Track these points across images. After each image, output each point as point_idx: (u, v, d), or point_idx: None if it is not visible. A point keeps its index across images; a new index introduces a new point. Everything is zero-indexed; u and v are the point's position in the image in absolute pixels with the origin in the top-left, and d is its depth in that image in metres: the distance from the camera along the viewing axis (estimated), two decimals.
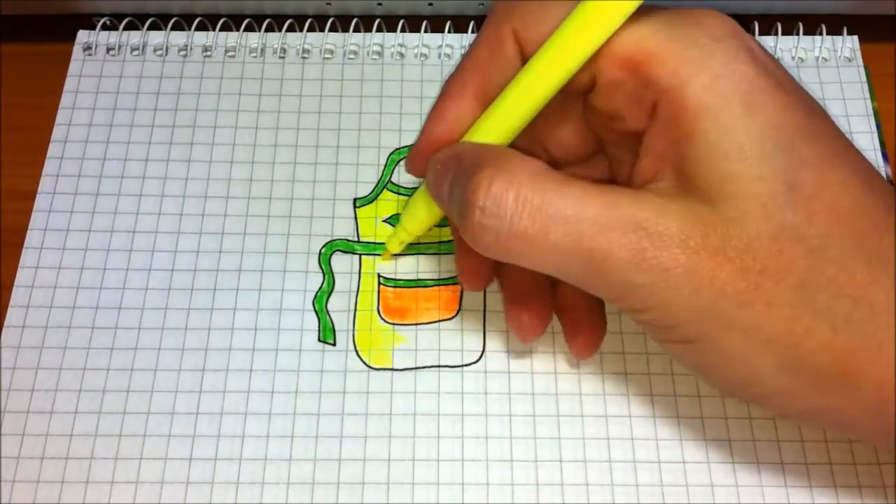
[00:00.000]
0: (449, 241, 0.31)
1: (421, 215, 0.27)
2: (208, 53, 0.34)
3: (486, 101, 0.24)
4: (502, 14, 0.23)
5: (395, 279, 0.30)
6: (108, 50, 0.34)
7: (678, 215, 0.20)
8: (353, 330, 0.29)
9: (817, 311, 0.19)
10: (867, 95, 0.33)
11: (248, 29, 0.34)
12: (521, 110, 0.23)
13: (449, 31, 0.35)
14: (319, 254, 0.30)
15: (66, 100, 0.33)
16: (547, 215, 0.20)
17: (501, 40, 0.23)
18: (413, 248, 0.30)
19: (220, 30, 0.35)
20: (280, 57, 0.34)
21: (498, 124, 0.23)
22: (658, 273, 0.20)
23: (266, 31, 0.35)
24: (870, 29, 0.34)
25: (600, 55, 0.21)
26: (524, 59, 0.23)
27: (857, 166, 0.21)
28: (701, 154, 0.20)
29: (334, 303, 0.30)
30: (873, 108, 0.33)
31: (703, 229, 0.20)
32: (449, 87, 0.24)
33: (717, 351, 0.21)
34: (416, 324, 0.29)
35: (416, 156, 0.25)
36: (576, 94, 0.23)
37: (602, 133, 0.25)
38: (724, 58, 0.20)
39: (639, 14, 0.21)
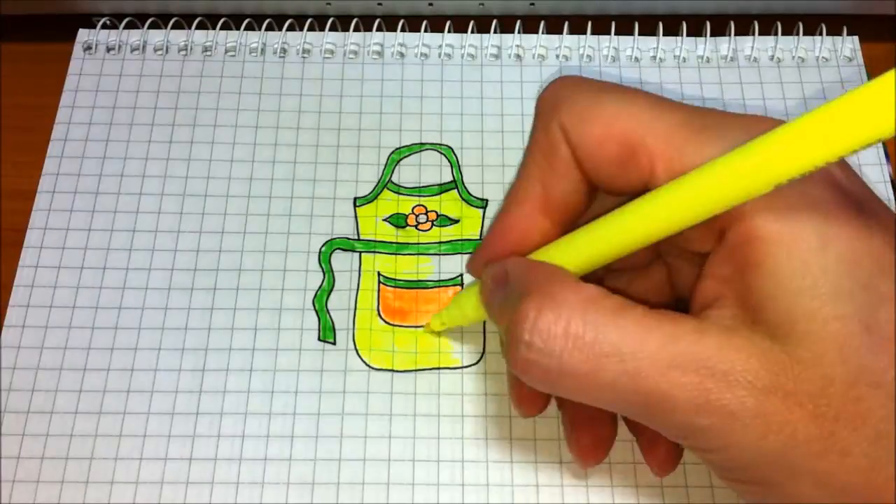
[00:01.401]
0: (449, 242, 0.31)
1: (468, 312, 0.26)
2: (208, 52, 0.34)
3: (549, 209, 0.22)
4: (551, 109, 0.21)
5: (395, 279, 0.30)
6: (109, 49, 0.34)
7: (744, 352, 0.18)
8: (353, 329, 0.29)
9: None
10: None
11: (249, 29, 0.34)
12: (613, 247, 0.20)
13: (449, 31, 0.34)
14: (319, 252, 0.30)
15: (66, 98, 0.33)
16: (601, 353, 0.19)
17: (553, 143, 0.21)
18: (413, 249, 0.30)
19: (220, 29, 0.34)
20: (280, 56, 0.34)
21: (578, 253, 0.21)
22: (723, 416, 0.18)
23: (266, 30, 0.34)
24: (870, 29, 0.34)
25: None
26: (578, 160, 0.21)
27: None
28: (769, 287, 0.18)
29: (334, 301, 0.30)
30: None
31: (772, 369, 0.18)
32: (511, 197, 0.23)
33: (788, 496, 0.19)
34: (417, 325, 0.29)
35: (475, 264, 0.24)
36: (626, 195, 0.22)
37: (663, 245, 0.23)
38: (801, 183, 0.18)
39: (704, 129, 0.19)
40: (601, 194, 0.23)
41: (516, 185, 0.23)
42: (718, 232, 0.20)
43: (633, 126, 0.20)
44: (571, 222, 0.22)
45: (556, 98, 0.22)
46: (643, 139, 0.20)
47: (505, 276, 0.21)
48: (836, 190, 0.19)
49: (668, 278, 0.24)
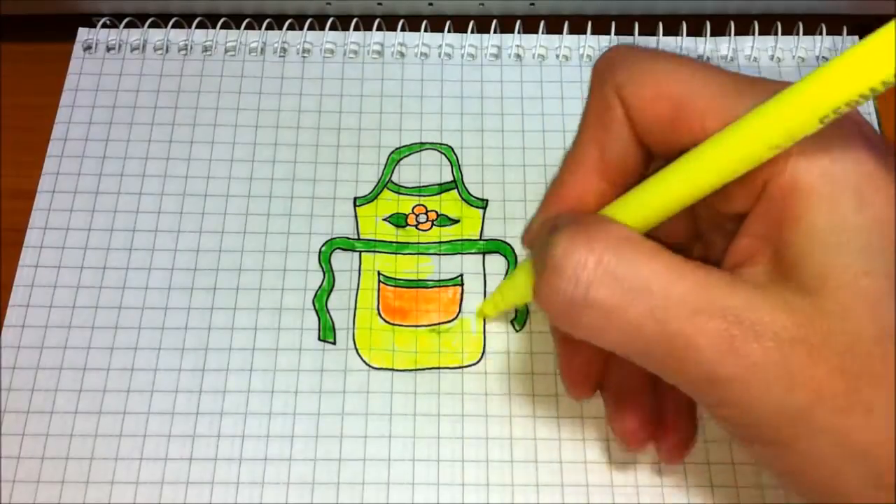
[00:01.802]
0: (449, 242, 0.31)
1: (521, 287, 0.25)
2: (208, 52, 0.34)
3: (605, 171, 0.22)
4: (605, 73, 0.22)
5: (396, 279, 0.30)
6: (109, 48, 0.34)
7: (773, 305, 0.18)
8: (353, 328, 0.29)
9: None
10: None
11: (249, 28, 0.34)
12: (667, 201, 0.20)
13: (449, 31, 0.34)
14: (319, 252, 0.30)
15: (66, 98, 0.33)
16: (629, 289, 0.18)
17: (608, 105, 0.21)
18: (413, 248, 0.30)
19: (220, 29, 0.34)
20: (280, 56, 0.34)
21: (629, 209, 0.21)
22: (746, 366, 0.18)
23: (266, 30, 0.34)
24: (870, 29, 0.34)
25: None
26: (631, 121, 0.21)
27: None
28: (805, 241, 0.18)
29: (334, 301, 0.30)
30: (874, 108, 0.33)
31: (800, 322, 0.18)
32: (568, 161, 0.23)
33: (803, 456, 0.19)
34: (417, 325, 0.29)
35: (531, 230, 0.24)
36: (677, 153, 0.22)
37: (702, 212, 0.23)
38: (842, 143, 0.19)
39: (753, 88, 0.20)
40: (657, 162, 0.23)
41: (572, 150, 0.23)
42: (759, 189, 0.20)
43: (684, 87, 0.20)
44: (628, 186, 0.22)
45: (610, 63, 0.22)
46: (694, 99, 0.20)
47: (553, 225, 0.21)
48: (874, 152, 0.19)
49: (704, 257, 0.24)
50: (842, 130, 0.19)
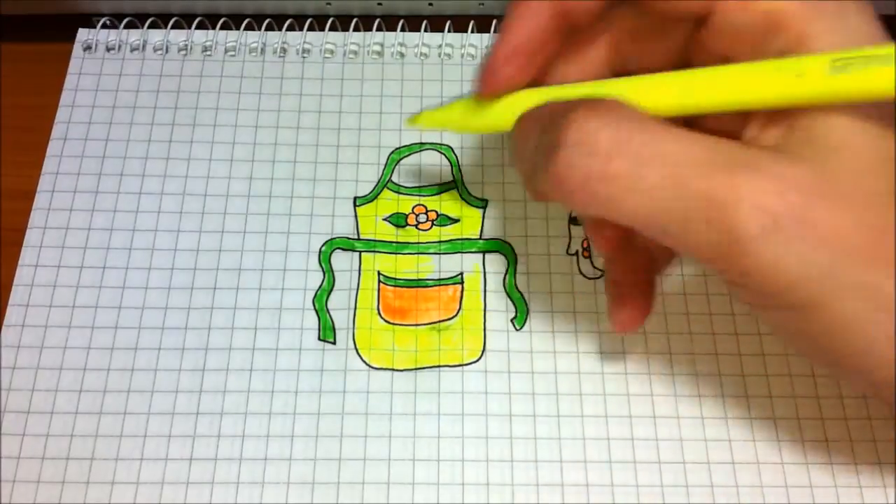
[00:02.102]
0: (449, 241, 0.31)
1: (455, 117, 0.25)
2: (208, 52, 0.34)
3: (560, 15, 0.22)
4: None
5: (395, 279, 0.30)
6: (108, 48, 0.34)
7: (793, 161, 0.18)
8: (353, 328, 0.29)
9: None
10: None
11: (248, 29, 0.34)
12: (685, 102, 0.20)
13: (449, 31, 0.34)
14: (319, 252, 0.30)
15: (65, 97, 0.33)
16: (646, 156, 0.18)
17: None
18: (413, 248, 0.30)
19: (220, 29, 0.34)
20: (280, 56, 0.34)
21: (647, 96, 0.21)
22: (770, 222, 0.18)
23: (266, 30, 0.34)
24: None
25: None
26: None
27: None
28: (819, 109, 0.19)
29: (334, 301, 0.30)
30: None
31: (822, 178, 0.18)
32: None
33: (828, 318, 0.19)
34: (417, 324, 0.29)
35: (490, 70, 0.22)
36: (680, 28, 0.22)
37: None
38: (857, 21, 0.19)
39: None
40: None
41: None
42: (773, 54, 0.20)
43: None
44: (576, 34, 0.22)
45: None
46: None
47: (547, 110, 0.21)
48: (881, 29, 0.19)
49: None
50: (857, 10, 0.19)
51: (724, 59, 0.21)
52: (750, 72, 0.20)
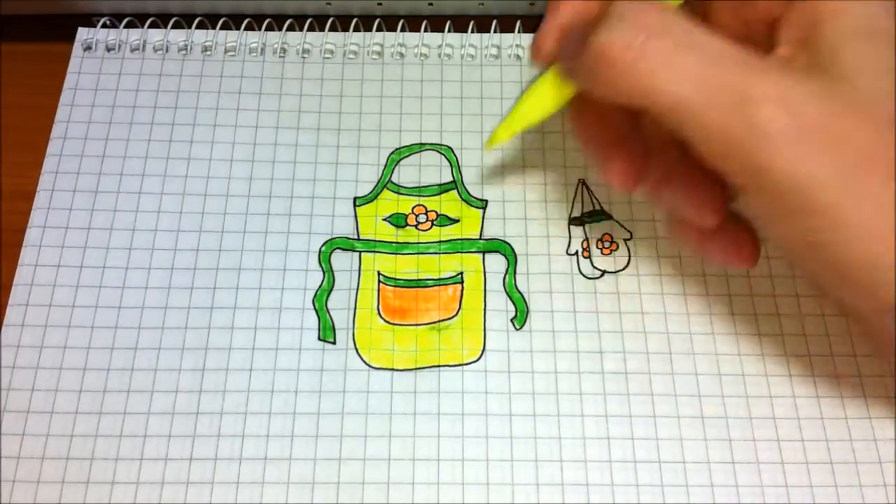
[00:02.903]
0: (449, 241, 0.31)
1: (544, 100, 0.25)
2: (208, 52, 0.34)
3: None
4: None
5: (395, 279, 0.30)
6: (108, 48, 0.34)
7: (820, 79, 0.19)
8: (353, 328, 0.29)
9: None
10: None
11: (248, 29, 0.34)
12: None
13: (449, 31, 0.35)
14: (319, 252, 0.30)
15: (65, 97, 0.33)
16: (686, 42, 0.19)
17: None
18: (413, 248, 0.30)
19: (220, 29, 0.34)
20: (280, 56, 0.34)
21: None
22: (793, 122, 0.19)
23: (266, 30, 0.34)
24: None
25: None
26: None
27: None
28: (840, 38, 0.20)
29: (334, 301, 0.30)
30: None
31: (844, 94, 0.19)
32: None
33: (839, 225, 0.19)
34: (416, 324, 0.29)
35: (544, 36, 0.24)
36: None
37: (732, 23, 0.24)
38: None
39: None
40: None
41: None
42: None
43: None
44: None
45: None
46: None
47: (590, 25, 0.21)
48: None
49: None
50: None
51: (751, 6, 0.22)
52: None
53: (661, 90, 0.20)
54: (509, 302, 0.30)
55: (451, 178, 0.32)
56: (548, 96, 0.24)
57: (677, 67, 0.19)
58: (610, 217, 0.31)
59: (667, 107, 0.20)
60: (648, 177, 0.25)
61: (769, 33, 0.22)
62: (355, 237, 0.31)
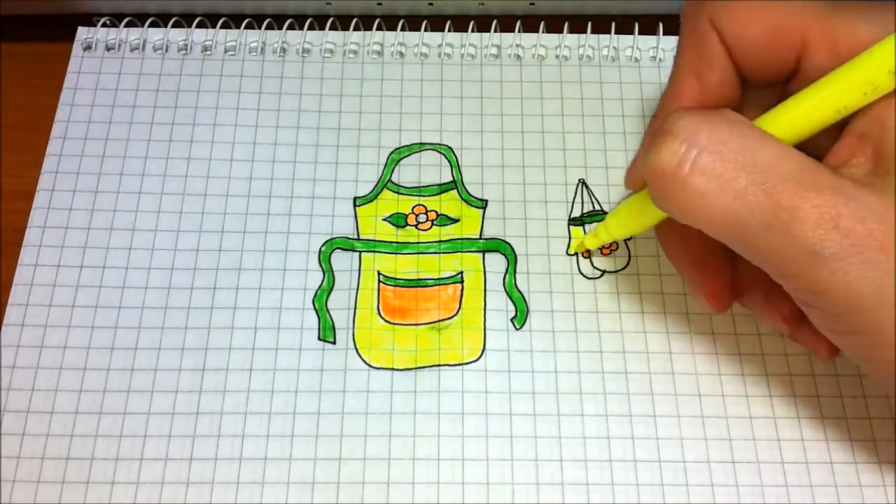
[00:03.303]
0: (449, 241, 0.31)
1: (628, 220, 0.27)
2: (208, 51, 0.34)
3: (705, 101, 0.23)
4: (697, 5, 0.22)
5: (395, 278, 0.30)
6: (108, 48, 0.34)
7: (877, 193, 0.19)
8: (353, 328, 0.29)
9: None
10: None
11: (248, 28, 0.34)
12: (792, 128, 0.21)
13: (449, 31, 0.34)
14: (319, 252, 0.30)
15: (65, 96, 0.33)
16: (740, 160, 0.19)
17: (703, 36, 0.22)
18: (413, 248, 0.30)
19: (220, 28, 0.34)
20: (280, 56, 0.34)
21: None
22: (849, 245, 0.18)
23: (266, 30, 0.34)
24: None
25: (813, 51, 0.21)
26: (728, 48, 0.22)
27: None
28: None
29: (334, 301, 0.30)
30: None
31: None
32: (666, 95, 0.24)
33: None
34: (417, 324, 0.29)
35: (634, 170, 0.25)
36: (774, 82, 0.23)
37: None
38: None
39: (851, 9, 0.21)
40: (750, 95, 0.23)
41: (670, 84, 0.23)
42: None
43: (780, 9, 0.21)
44: None
45: None
46: (792, 19, 0.21)
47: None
48: None
49: None
50: None
51: None
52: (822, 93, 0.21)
53: (713, 211, 0.20)
54: (509, 301, 0.30)
55: (451, 178, 0.32)
56: (635, 216, 0.26)
57: (728, 188, 0.19)
58: None
59: (720, 228, 0.20)
60: (738, 294, 0.26)
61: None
62: (355, 237, 0.31)
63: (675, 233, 0.26)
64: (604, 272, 0.30)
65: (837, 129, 0.21)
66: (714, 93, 0.23)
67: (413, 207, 0.31)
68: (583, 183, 0.32)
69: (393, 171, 0.32)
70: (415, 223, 0.31)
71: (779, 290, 0.23)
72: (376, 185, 0.32)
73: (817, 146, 0.22)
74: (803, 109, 0.21)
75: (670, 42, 0.34)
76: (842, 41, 0.20)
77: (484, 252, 0.31)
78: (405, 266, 0.30)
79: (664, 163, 0.20)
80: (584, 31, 0.34)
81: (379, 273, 0.30)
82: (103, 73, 0.34)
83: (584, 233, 0.31)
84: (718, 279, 0.25)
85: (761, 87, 0.23)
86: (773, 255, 0.20)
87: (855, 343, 0.21)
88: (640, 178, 0.25)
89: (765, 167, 0.19)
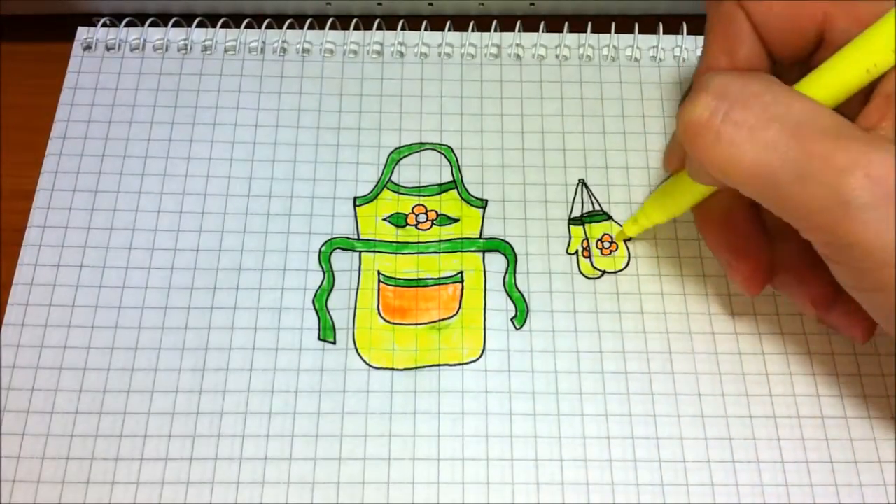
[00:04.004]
0: (449, 240, 0.31)
1: (667, 202, 0.27)
2: (208, 51, 0.34)
3: None
4: None
5: (395, 278, 0.30)
6: (108, 47, 0.34)
7: None
8: (353, 328, 0.29)
9: None
10: None
11: (248, 28, 0.34)
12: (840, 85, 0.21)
13: (449, 31, 0.34)
14: (319, 252, 0.30)
15: (65, 96, 0.33)
16: (773, 111, 0.19)
17: (731, 16, 0.23)
18: (413, 248, 0.30)
19: (220, 28, 0.34)
20: (280, 55, 0.34)
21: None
22: (881, 193, 0.18)
23: (266, 29, 0.34)
24: None
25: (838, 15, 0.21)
26: (755, 26, 0.22)
27: None
28: None
29: (334, 301, 0.30)
30: None
31: None
32: (698, 75, 0.24)
33: None
34: (416, 323, 0.29)
35: (672, 151, 0.25)
36: (801, 58, 0.23)
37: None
38: None
39: None
40: (779, 74, 0.23)
41: (701, 65, 0.24)
42: None
43: None
44: None
45: None
46: None
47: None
48: None
49: None
50: None
51: None
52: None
53: (745, 162, 0.20)
54: (509, 301, 0.30)
55: (451, 178, 0.32)
56: (674, 196, 0.26)
57: (759, 137, 0.19)
58: (610, 217, 0.31)
59: (750, 179, 0.20)
60: (772, 278, 0.26)
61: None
62: (355, 237, 0.31)
63: (714, 218, 0.26)
64: (604, 272, 0.30)
65: (866, 100, 0.21)
66: (745, 67, 0.23)
67: (413, 207, 0.31)
68: (583, 183, 0.32)
69: (393, 171, 0.32)
70: (415, 223, 0.31)
71: (812, 272, 0.23)
72: (376, 185, 0.32)
73: (847, 116, 0.22)
74: (833, 72, 0.21)
75: (670, 42, 0.34)
76: (863, 9, 0.21)
77: (484, 252, 0.31)
78: (405, 266, 0.30)
79: (696, 114, 0.20)
80: (584, 31, 0.34)
81: (379, 273, 0.30)
82: (103, 72, 0.34)
83: (584, 233, 0.31)
84: (753, 262, 0.25)
85: (790, 64, 0.23)
86: (803, 206, 0.19)
87: (881, 301, 0.20)
88: (677, 158, 0.25)
89: (796, 119, 0.19)
